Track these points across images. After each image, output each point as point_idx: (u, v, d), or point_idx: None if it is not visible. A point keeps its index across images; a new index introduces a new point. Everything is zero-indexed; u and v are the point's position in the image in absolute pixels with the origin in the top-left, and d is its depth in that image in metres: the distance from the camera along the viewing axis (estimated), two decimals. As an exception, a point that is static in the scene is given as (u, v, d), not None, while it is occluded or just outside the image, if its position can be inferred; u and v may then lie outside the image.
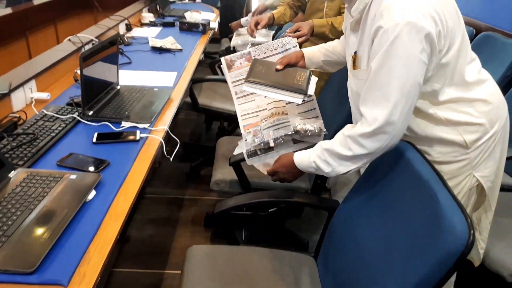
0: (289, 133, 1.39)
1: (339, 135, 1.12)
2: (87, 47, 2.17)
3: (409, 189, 0.95)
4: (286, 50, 1.54)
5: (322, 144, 1.15)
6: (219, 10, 4.22)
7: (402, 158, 1.02)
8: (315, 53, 1.50)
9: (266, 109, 1.48)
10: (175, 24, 3.13)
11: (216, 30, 3.19)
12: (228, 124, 2.77)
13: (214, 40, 3.99)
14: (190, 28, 2.99)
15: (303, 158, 1.21)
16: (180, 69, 2.16)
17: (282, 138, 1.39)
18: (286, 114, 1.46)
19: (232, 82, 1.50)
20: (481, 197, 1.20)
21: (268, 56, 1.53)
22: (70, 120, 1.44)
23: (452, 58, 1.04)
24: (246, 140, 1.42)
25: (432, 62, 1.01)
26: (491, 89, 1.14)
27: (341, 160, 1.11)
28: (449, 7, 1.02)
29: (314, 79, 1.41)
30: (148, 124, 1.47)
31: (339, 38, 1.87)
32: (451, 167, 1.12)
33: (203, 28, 2.98)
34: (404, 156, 1.02)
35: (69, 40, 2.18)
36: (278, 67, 1.41)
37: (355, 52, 1.14)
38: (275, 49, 1.54)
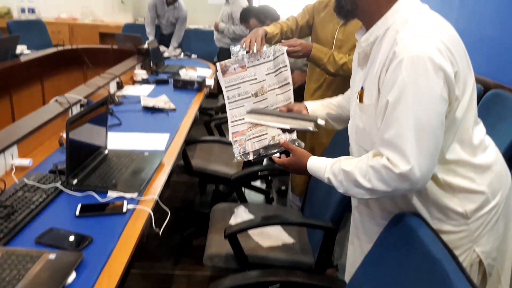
0: (265, 145, 1.49)
1: (361, 161, 1.12)
2: (74, 109, 2.24)
3: (421, 269, 0.95)
4: (275, 57, 1.66)
5: (342, 163, 1.16)
6: (215, 65, 4.40)
7: (414, 236, 1.03)
8: (318, 106, 1.57)
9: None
10: (169, 81, 3.25)
11: (212, 87, 3.30)
12: (224, 187, 2.78)
13: (211, 95, 4.12)
14: (185, 86, 3.10)
15: (318, 168, 1.24)
16: (173, 131, 2.22)
17: (261, 151, 1.51)
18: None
19: (226, 87, 1.65)
20: (485, 279, 1.19)
21: (260, 64, 1.66)
22: (53, 190, 1.46)
23: (462, 110, 1.07)
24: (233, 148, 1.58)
25: (449, 107, 1.03)
26: (493, 156, 1.17)
27: (357, 187, 1.12)
28: (461, 52, 1.07)
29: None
30: (136, 194, 1.48)
31: (337, 72, 1.97)
32: (449, 237, 1.12)
33: (198, 85, 3.08)
34: (416, 233, 1.02)
35: (56, 100, 2.26)
36: (282, 109, 1.49)
37: (362, 88, 1.18)
38: (267, 57, 1.67)
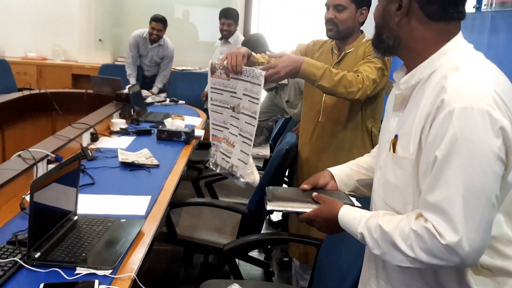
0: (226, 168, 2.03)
1: (403, 221, 1.09)
2: (40, 165, 2.25)
3: None
4: (252, 83, 1.87)
5: (380, 220, 1.13)
6: (206, 112, 4.47)
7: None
8: (346, 171, 1.54)
9: (228, 129, 2.05)
10: (152, 132, 3.29)
11: (202, 138, 3.33)
12: (214, 258, 2.75)
13: (200, 146, 4.14)
14: (170, 138, 3.13)
15: (350, 221, 1.21)
16: (156, 192, 2.22)
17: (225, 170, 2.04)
18: (233, 146, 2.01)
19: (211, 88, 2.07)
20: None
21: (240, 79, 1.93)
22: (11, 265, 1.44)
23: None
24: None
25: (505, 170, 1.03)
26: None
27: (397, 252, 1.08)
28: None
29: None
30: (110, 271, 1.46)
31: (335, 89, 2.09)
32: None
33: (186, 137, 3.12)
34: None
35: (19, 156, 2.27)
36: (305, 186, 1.48)
37: (396, 136, 1.20)
38: (246, 76, 1.91)
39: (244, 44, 3.33)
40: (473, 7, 3.50)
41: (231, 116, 2.00)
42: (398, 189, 1.17)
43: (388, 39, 1.21)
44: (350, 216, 1.22)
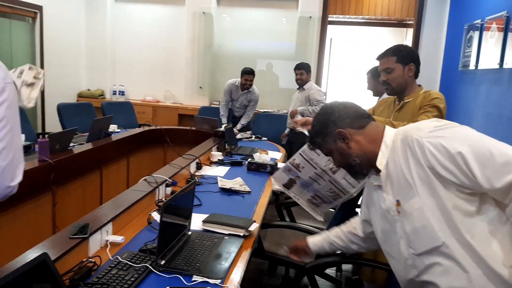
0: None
1: None
2: (161, 188, 2.36)
3: None
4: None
5: None
6: (285, 147, 4.50)
7: None
8: (321, 242, 1.83)
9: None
10: (243, 163, 3.35)
11: (283, 170, 3.35)
12: (294, 272, 2.71)
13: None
14: (258, 169, 3.17)
15: None
16: (249, 214, 2.24)
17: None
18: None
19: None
20: None
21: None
22: (143, 270, 1.50)
23: None
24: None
25: None
26: None
27: None
28: None
29: None
30: (219, 281, 1.49)
31: None
32: None
33: (270, 168, 3.15)
34: None
35: (145, 180, 2.39)
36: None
37: (397, 201, 1.32)
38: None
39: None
40: (497, 64, 3.39)
41: (315, 172, 2.10)
42: (423, 230, 1.26)
43: (355, 161, 1.41)
44: None
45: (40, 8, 5.36)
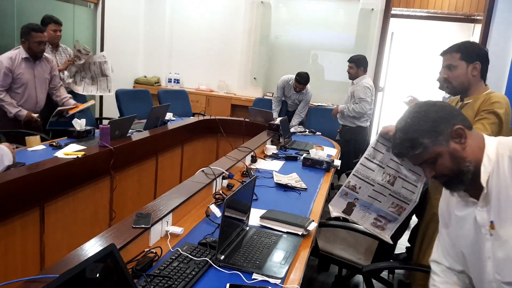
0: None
1: None
2: (218, 180, 2.36)
3: None
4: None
5: None
6: (339, 143, 4.39)
7: None
8: None
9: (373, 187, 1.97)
10: (298, 158, 3.29)
11: (339, 167, 3.26)
12: (347, 273, 2.64)
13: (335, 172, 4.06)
14: (314, 165, 3.10)
15: None
16: (306, 212, 2.20)
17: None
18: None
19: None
20: None
21: None
22: (203, 264, 1.50)
23: None
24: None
25: None
26: None
27: None
28: None
29: None
30: (280, 281, 1.46)
31: None
32: None
33: (327, 165, 3.07)
34: None
35: (202, 171, 2.39)
36: None
37: (492, 222, 1.21)
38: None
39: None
40: None
41: (373, 190, 1.99)
42: None
43: (468, 168, 1.22)
44: None
45: (102, -6, 5.54)
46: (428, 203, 2.37)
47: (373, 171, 1.95)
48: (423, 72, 6.69)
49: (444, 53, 2.14)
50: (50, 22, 3.78)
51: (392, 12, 5.85)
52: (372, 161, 1.96)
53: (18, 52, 3.34)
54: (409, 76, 7.14)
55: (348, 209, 2.02)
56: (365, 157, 1.96)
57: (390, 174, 1.96)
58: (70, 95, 3.79)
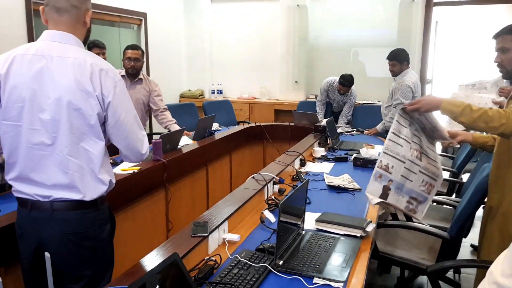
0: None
1: None
2: (269, 185, 2.36)
3: None
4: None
5: None
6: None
7: None
8: None
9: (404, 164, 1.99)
10: (348, 159, 3.23)
11: (391, 165, 3.17)
12: (409, 274, 2.54)
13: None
14: (365, 164, 3.04)
15: None
16: (362, 213, 2.15)
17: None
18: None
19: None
20: None
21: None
22: (263, 270, 1.50)
23: None
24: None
25: None
26: None
27: None
28: None
29: None
30: (342, 284, 1.43)
31: (473, 125, 1.87)
32: None
33: (379, 164, 2.99)
34: None
35: (253, 178, 2.41)
36: None
37: None
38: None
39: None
40: None
41: (405, 168, 1.99)
42: None
43: None
44: None
45: (144, 15, 5.73)
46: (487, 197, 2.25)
47: (402, 146, 1.97)
48: (474, 60, 6.41)
49: (496, 36, 2.04)
50: (93, 46, 3.93)
51: (434, 0, 5.64)
52: (399, 136, 1.97)
53: None
54: (459, 65, 6.85)
55: (384, 194, 2.00)
56: (392, 132, 1.96)
57: (416, 150, 1.99)
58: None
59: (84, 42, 1.61)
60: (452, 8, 6.36)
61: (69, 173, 1.52)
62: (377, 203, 2.01)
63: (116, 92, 1.54)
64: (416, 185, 2.01)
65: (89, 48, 3.94)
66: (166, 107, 3.83)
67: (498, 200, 1.97)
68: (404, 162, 1.98)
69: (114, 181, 1.65)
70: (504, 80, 3.19)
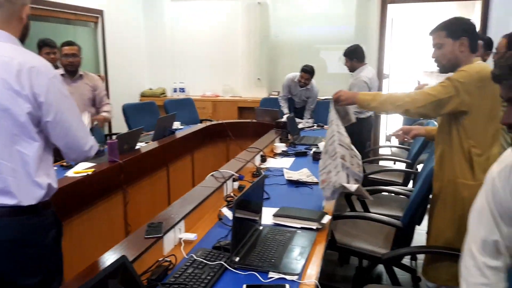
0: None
1: None
2: (229, 183, 2.35)
3: None
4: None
5: None
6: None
7: None
8: None
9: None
10: (307, 153, 3.27)
11: (350, 159, 3.23)
12: (368, 263, 2.60)
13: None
14: (324, 158, 3.07)
15: None
16: (319, 206, 2.17)
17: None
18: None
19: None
20: None
21: None
22: (218, 267, 1.49)
23: None
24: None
25: None
26: None
27: None
28: None
29: None
30: (296, 277, 1.44)
31: (382, 108, 2.12)
32: None
33: (337, 158, 3.04)
34: None
35: (212, 175, 2.39)
36: None
37: None
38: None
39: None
40: None
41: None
42: None
43: None
44: None
45: (101, 12, 5.57)
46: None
47: (343, 135, 2.14)
48: (427, 55, 6.61)
49: (431, 32, 2.12)
50: (43, 45, 3.77)
51: (390, -3, 5.78)
52: (340, 126, 2.16)
53: None
54: (414, 60, 7.06)
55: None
56: (336, 124, 2.14)
57: (347, 137, 2.16)
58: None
59: (22, 39, 1.53)
60: (407, 6, 6.53)
61: (2, 177, 1.42)
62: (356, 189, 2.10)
63: (50, 90, 1.45)
64: (356, 169, 2.13)
65: (39, 47, 3.77)
66: (108, 102, 3.73)
67: (439, 187, 2.06)
68: (347, 149, 2.12)
69: (55, 185, 1.55)
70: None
